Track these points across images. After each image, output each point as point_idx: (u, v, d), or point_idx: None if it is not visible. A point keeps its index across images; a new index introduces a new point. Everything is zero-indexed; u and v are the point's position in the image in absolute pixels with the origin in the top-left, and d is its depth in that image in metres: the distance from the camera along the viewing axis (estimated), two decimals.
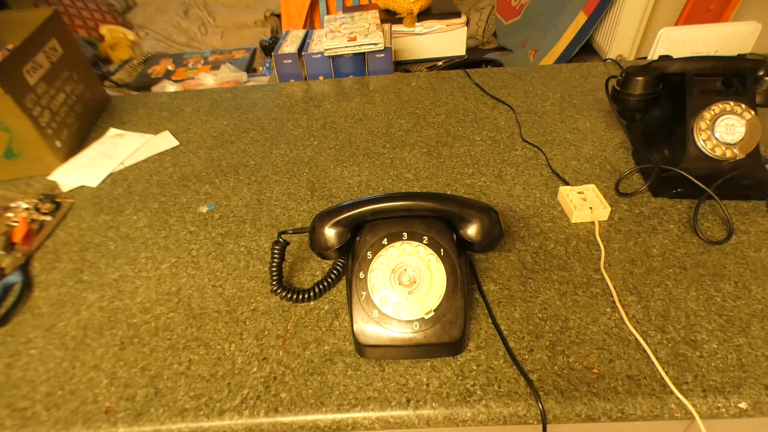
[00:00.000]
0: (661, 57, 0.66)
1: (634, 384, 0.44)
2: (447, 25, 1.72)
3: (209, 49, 2.02)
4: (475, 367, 0.46)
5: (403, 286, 0.46)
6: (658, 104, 0.68)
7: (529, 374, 0.45)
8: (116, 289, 0.56)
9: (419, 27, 1.70)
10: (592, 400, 0.43)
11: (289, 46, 1.10)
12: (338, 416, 0.43)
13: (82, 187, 0.73)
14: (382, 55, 1.06)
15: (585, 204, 0.60)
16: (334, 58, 1.07)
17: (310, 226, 0.51)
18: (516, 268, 0.55)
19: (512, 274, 0.54)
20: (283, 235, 0.54)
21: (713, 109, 0.61)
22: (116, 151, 0.79)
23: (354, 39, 1.05)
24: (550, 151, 0.72)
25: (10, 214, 0.66)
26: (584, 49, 1.74)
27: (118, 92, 1.73)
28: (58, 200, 0.69)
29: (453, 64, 1.76)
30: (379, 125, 0.81)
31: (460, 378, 0.45)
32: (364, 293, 0.47)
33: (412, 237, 0.48)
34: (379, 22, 1.14)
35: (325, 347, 0.49)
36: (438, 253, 0.47)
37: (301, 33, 1.17)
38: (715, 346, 0.46)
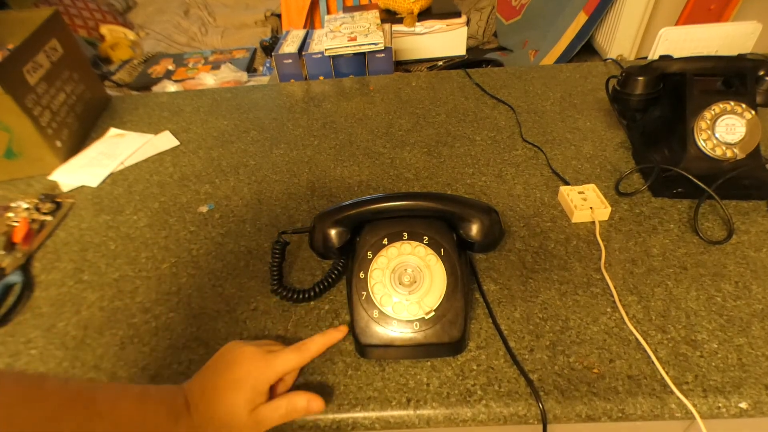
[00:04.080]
0: (661, 57, 0.66)
1: (634, 384, 0.44)
2: (447, 25, 1.72)
3: (209, 49, 2.02)
4: (475, 367, 0.46)
5: (403, 286, 0.46)
6: (659, 104, 0.68)
7: (530, 374, 0.45)
8: (116, 289, 0.56)
9: (419, 27, 1.70)
10: (592, 400, 0.43)
11: (289, 45, 1.10)
12: (338, 416, 0.43)
13: (83, 187, 0.73)
14: (383, 55, 1.06)
15: (585, 204, 0.60)
16: (335, 58, 1.07)
17: (310, 226, 0.51)
18: (516, 267, 0.55)
19: (512, 274, 0.54)
20: (283, 235, 0.54)
21: (713, 109, 0.61)
22: (116, 151, 0.79)
23: (354, 39, 1.05)
24: (550, 151, 0.72)
25: (10, 214, 0.66)
26: (584, 49, 1.74)
27: (119, 92, 1.73)
28: (58, 200, 0.69)
29: (453, 64, 1.76)
30: (379, 125, 0.81)
31: (460, 378, 0.45)
32: (365, 293, 0.47)
33: (413, 237, 0.48)
34: (379, 21, 1.14)
35: None
36: (438, 253, 0.47)
37: (302, 33, 1.17)
38: (716, 346, 0.46)
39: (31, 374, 0.33)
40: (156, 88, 1.61)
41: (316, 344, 0.45)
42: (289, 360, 0.43)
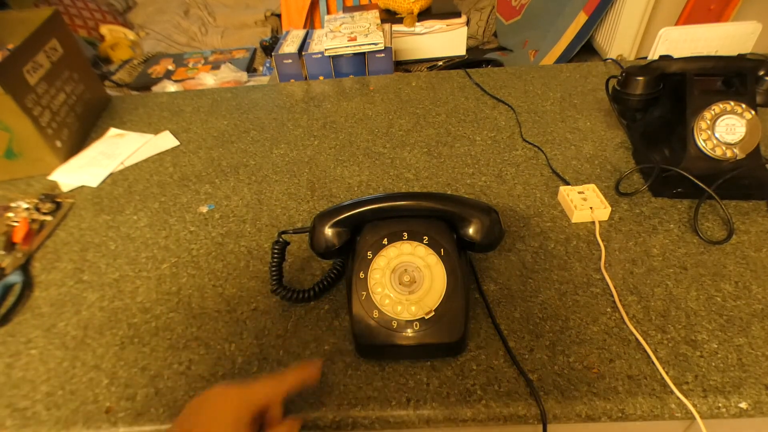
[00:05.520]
0: (661, 57, 0.66)
1: (634, 384, 0.44)
2: (447, 25, 1.72)
3: (209, 49, 2.02)
4: (475, 367, 0.46)
5: (403, 285, 0.46)
6: (659, 104, 0.68)
7: (529, 374, 0.45)
8: (116, 289, 0.56)
9: (419, 27, 1.70)
10: (592, 400, 0.43)
11: (289, 46, 1.10)
12: (338, 416, 0.43)
13: (83, 187, 0.73)
14: (383, 54, 1.06)
15: (585, 204, 0.60)
16: (335, 58, 1.07)
17: (310, 226, 0.51)
18: (516, 267, 0.55)
19: (512, 274, 0.54)
20: (283, 235, 0.54)
21: (713, 109, 0.61)
22: (116, 151, 0.79)
23: (354, 39, 1.05)
24: (550, 151, 0.72)
25: (10, 214, 0.66)
26: (584, 49, 1.74)
27: (119, 92, 1.73)
28: (58, 200, 0.69)
29: (453, 64, 1.76)
30: (379, 125, 0.81)
31: (460, 378, 0.45)
32: (364, 293, 0.47)
33: (413, 237, 0.48)
34: (379, 21, 1.14)
35: (325, 347, 0.49)
36: (438, 253, 0.47)
37: (302, 33, 1.17)
38: (716, 346, 0.46)
39: None
40: (156, 88, 1.61)
41: (292, 374, 0.41)
42: (265, 384, 0.38)
